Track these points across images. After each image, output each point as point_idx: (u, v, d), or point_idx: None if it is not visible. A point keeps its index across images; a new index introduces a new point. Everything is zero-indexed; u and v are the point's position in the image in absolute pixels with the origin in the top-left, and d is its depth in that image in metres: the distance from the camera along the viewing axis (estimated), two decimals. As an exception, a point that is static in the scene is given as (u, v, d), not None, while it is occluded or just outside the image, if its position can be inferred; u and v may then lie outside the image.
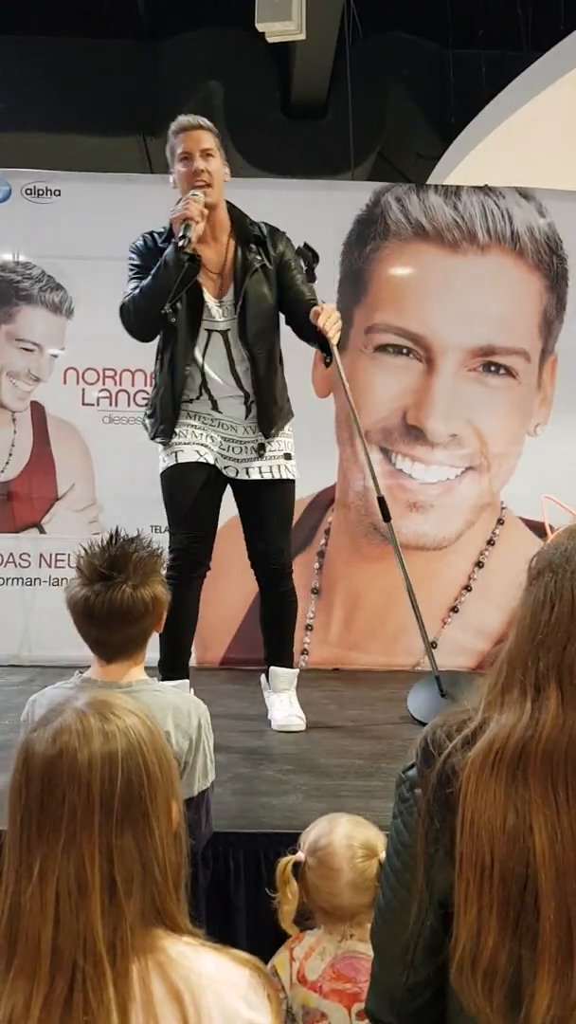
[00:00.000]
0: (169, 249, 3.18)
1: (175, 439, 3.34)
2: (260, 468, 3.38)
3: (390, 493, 4.77)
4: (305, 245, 3.38)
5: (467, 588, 4.79)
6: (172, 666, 3.36)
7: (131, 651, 2.01)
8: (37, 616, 4.55)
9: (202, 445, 3.34)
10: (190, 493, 3.31)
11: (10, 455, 4.72)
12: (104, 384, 4.76)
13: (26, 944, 1.07)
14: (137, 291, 3.23)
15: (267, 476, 3.38)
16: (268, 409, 3.36)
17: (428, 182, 7.14)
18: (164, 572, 2.10)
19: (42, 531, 4.71)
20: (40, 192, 4.73)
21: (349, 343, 4.76)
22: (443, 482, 4.74)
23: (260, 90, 8.49)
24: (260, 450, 3.39)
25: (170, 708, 1.98)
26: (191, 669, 4.35)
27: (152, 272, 3.19)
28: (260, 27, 4.67)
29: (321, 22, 6.23)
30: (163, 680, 3.21)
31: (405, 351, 4.73)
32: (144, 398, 4.74)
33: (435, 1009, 1.20)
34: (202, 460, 3.32)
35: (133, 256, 3.36)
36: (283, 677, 3.55)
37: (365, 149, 8.40)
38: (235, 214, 3.39)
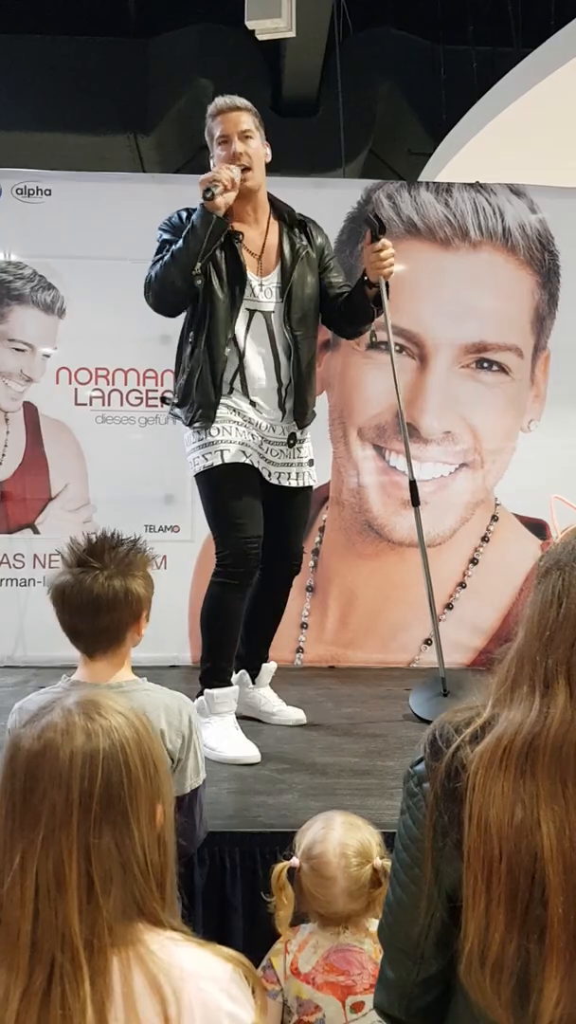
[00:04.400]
0: (196, 211, 3.13)
1: (218, 435, 3.22)
2: (291, 475, 3.37)
3: (383, 490, 4.79)
4: (374, 215, 3.36)
5: (461, 585, 4.79)
6: (220, 676, 3.25)
7: (106, 645, 2.00)
8: (31, 617, 4.54)
9: (245, 445, 3.24)
10: (244, 495, 3.21)
11: (3, 455, 4.71)
12: (97, 384, 4.75)
13: (7, 937, 1.09)
14: (168, 256, 3.15)
15: (295, 483, 3.38)
16: (303, 399, 3.32)
17: (419, 179, 7.14)
18: (152, 568, 2.09)
19: (36, 531, 4.70)
20: (31, 192, 4.72)
21: (342, 339, 4.76)
22: (437, 479, 4.74)
23: (250, 88, 8.41)
24: (291, 444, 3.34)
25: (162, 707, 1.98)
26: (187, 668, 4.38)
27: (182, 237, 3.14)
28: (250, 25, 4.66)
29: (311, 19, 6.23)
30: (209, 689, 3.22)
31: (398, 348, 4.73)
32: (137, 397, 4.74)
33: (443, 1004, 1.21)
34: (248, 462, 3.24)
35: (164, 230, 3.28)
36: (271, 671, 3.65)
37: (356, 146, 8.38)
38: (274, 199, 3.38)
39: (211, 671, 3.26)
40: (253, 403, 3.29)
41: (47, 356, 4.74)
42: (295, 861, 1.96)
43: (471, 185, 4.87)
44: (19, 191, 4.71)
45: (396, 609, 4.79)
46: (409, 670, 4.69)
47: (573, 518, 4.38)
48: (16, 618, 4.58)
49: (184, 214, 3.28)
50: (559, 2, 6.46)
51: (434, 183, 5.18)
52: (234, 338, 3.24)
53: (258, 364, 3.28)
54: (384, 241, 3.27)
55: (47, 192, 4.72)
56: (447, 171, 6.97)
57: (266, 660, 3.64)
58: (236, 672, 3.48)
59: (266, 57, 8.20)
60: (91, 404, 4.74)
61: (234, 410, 3.28)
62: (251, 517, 3.22)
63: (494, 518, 4.87)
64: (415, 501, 3.63)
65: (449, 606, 4.75)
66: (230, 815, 2.60)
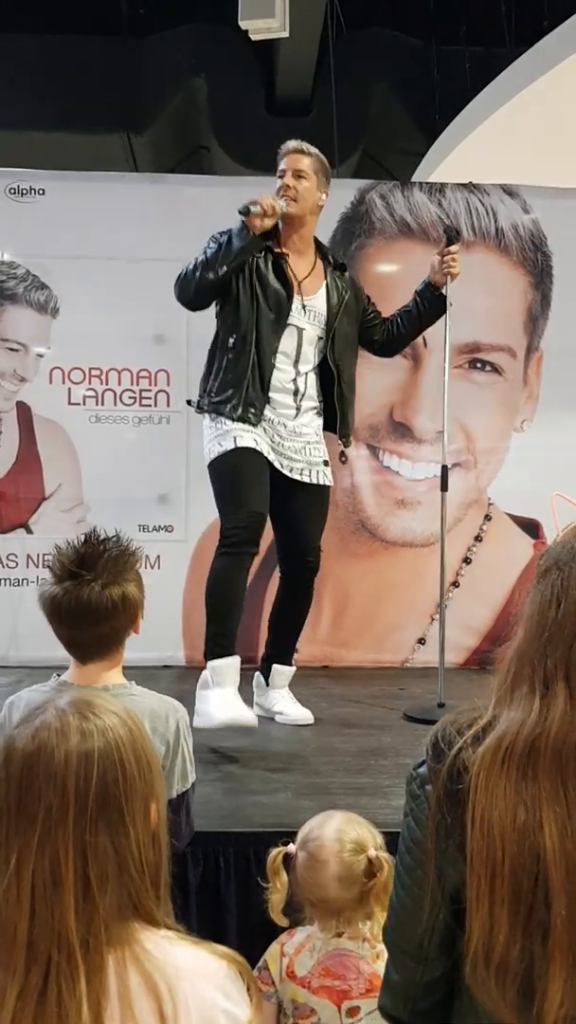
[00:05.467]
0: (236, 223, 3.40)
1: (233, 425, 3.42)
2: (303, 471, 3.56)
3: (377, 490, 4.79)
4: (452, 226, 3.87)
5: (455, 584, 4.80)
6: (221, 643, 3.32)
7: (104, 651, 2.00)
8: (25, 617, 4.53)
9: (258, 435, 3.45)
10: (252, 475, 3.42)
11: (-3, 455, 4.71)
12: (90, 383, 4.74)
13: (3, 936, 1.09)
14: (202, 256, 3.43)
15: (308, 480, 3.56)
16: (346, 417, 3.63)
17: (413, 179, 7.15)
18: (139, 569, 2.07)
19: (29, 531, 4.70)
20: (24, 191, 4.71)
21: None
22: (430, 479, 4.73)
23: (244, 87, 8.47)
24: (305, 452, 3.56)
25: (147, 712, 1.96)
26: (181, 668, 4.38)
27: (221, 242, 3.43)
28: (243, 24, 4.66)
29: (304, 19, 6.22)
30: (211, 660, 3.30)
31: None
32: (131, 397, 4.74)
33: (448, 1006, 1.21)
34: (259, 449, 3.43)
35: (214, 239, 3.50)
36: (284, 673, 3.71)
37: (349, 146, 8.39)
38: (319, 242, 3.71)
39: (212, 639, 3.33)
40: (269, 399, 3.49)
41: (40, 356, 4.74)
42: (291, 847, 1.97)
43: (464, 185, 4.87)
44: (12, 191, 4.71)
45: (390, 609, 4.79)
46: (403, 670, 4.70)
47: (574, 516, 4.39)
48: (9, 618, 4.57)
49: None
50: (552, 2, 6.46)
51: (427, 183, 5.19)
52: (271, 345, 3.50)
53: (281, 370, 3.51)
54: (456, 246, 3.69)
55: (40, 192, 4.72)
56: (440, 171, 6.97)
57: (286, 663, 3.72)
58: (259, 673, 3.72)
59: (259, 57, 8.20)
60: (84, 404, 4.74)
61: (251, 405, 3.46)
62: (255, 495, 3.39)
63: (487, 518, 4.88)
64: (444, 486, 3.78)
65: (443, 606, 4.75)
66: (224, 815, 2.60)
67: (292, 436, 3.53)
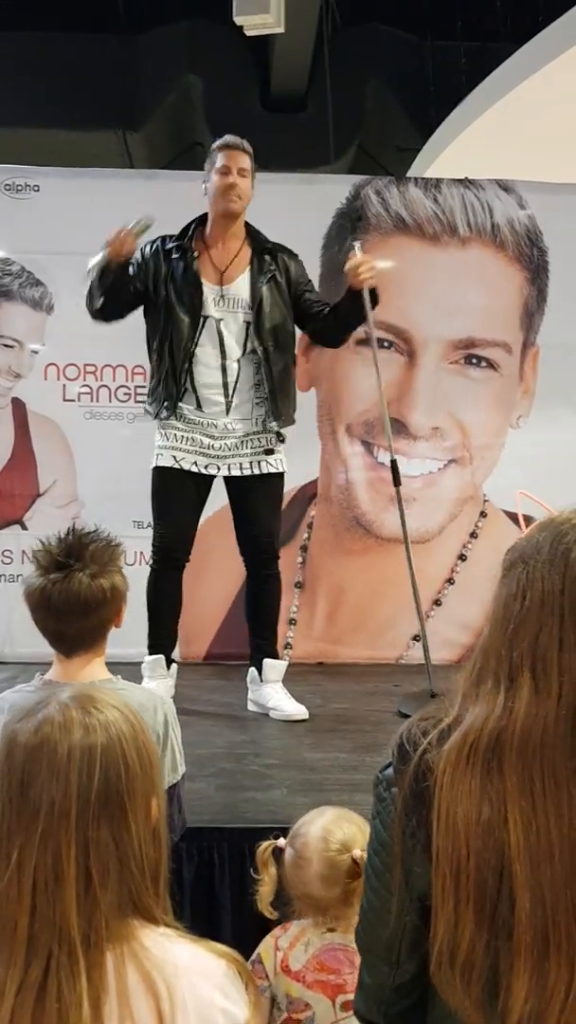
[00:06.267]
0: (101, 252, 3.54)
1: (160, 440, 3.62)
2: (241, 464, 3.61)
3: (372, 486, 4.79)
4: (354, 238, 3.95)
5: (450, 581, 4.80)
6: (154, 645, 3.71)
7: (90, 643, 2.00)
8: (20, 613, 4.48)
9: (179, 450, 3.60)
10: (166, 494, 3.65)
11: (-9, 452, 4.70)
12: (85, 380, 4.74)
13: (3, 930, 1.09)
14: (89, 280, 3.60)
15: (247, 472, 3.62)
16: (276, 404, 3.60)
17: (408, 175, 7.14)
18: (126, 563, 2.10)
19: (24, 528, 4.69)
20: (19, 187, 4.70)
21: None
22: (426, 475, 4.74)
23: (239, 83, 8.47)
24: (241, 446, 3.61)
25: (135, 706, 1.97)
26: (179, 665, 4.37)
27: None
28: (238, 20, 4.64)
29: (299, 14, 6.22)
30: (150, 654, 3.66)
31: (387, 344, 4.72)
32: (126, 394, 4.74)
33: (422, 1008, 1.20)
34: (176, 467, 3.59)
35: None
36: (276, 668, 3.74)
37: (345, 142, 8.40)
38: (251, 228, 3.70)
39: (148, 638, 3.69)
40: (197, 398, 3.60)
41: (35, 352, 4.73)
42: (281, 842, 1.97)
43: (460, 181, 4.86)
44: (7, 187, 4.70)
45: (384, 605, 4.79)
46: (398, 666, 4.70)
47: (539, 513, 4.39)
48: (5, 614, 4.56)
49: (159, 242, 3.68)
50: (547, -2, 6.46)
51: (423, 179, 5.18)
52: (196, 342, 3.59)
53: (206, 365, 3.58)
54: (361, 257, 3.58)
55: (35, 188, 4.71)
56: (436, 167, 6.98)
57: (272, 656, 3.74)
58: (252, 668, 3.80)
59: (255, 53, 8.20)
60: (79, 400, 4.73)
61: (179, 416, 3.60)
62: (168, 516, 3.64)
63: (483, 514, 4.87)
64: (396, 481, 3.79)
65: (437, 602, 4.76)
66: (218, 811, 2.60)
67: (224, 435, 3.59)
